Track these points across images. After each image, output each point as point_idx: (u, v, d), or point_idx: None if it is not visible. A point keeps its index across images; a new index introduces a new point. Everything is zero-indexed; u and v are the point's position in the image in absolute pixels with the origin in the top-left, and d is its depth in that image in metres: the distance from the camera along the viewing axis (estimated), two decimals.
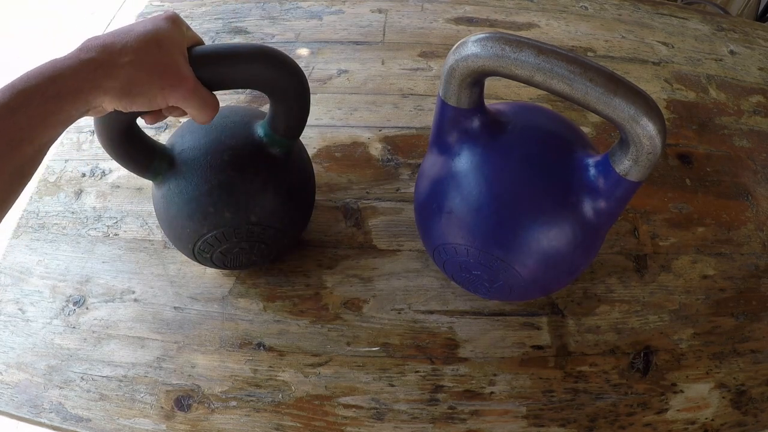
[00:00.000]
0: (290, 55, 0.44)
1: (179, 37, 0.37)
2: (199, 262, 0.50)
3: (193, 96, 0.37)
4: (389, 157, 0.65)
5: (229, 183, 0.45)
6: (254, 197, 0.46)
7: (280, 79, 0.42)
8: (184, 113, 0.40)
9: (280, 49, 0.42)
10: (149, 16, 0.38)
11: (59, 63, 0.33)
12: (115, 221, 0.60)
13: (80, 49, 0.34)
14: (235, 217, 0.46)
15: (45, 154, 0.34)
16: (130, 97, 0.35)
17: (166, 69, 0.35)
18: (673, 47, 0.79)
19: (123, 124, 0.41)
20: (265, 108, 0.48)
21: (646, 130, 0.33)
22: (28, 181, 0.34)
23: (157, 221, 0.57)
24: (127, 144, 0.43)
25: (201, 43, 0.41)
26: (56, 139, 0.34)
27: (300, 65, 0.44)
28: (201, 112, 0.38)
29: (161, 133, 0.67)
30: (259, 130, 0.47)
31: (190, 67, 0.37)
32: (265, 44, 0.45)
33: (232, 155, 0.46)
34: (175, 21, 0.38)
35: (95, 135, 0.42)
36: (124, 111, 0.36)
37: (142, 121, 0.42)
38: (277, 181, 0.48)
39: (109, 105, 0.35)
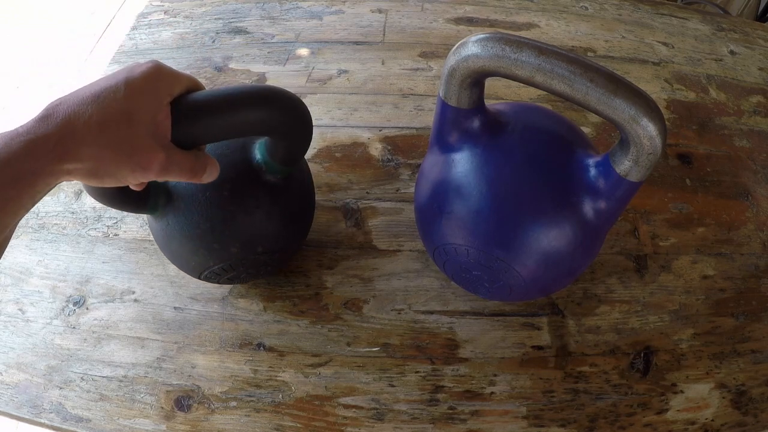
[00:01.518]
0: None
1: (154, 104, 0.33)
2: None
3: (167, 170, 0.34)
4: (389, 157, 0.65)
5: (232, 219, 0.44)
6: (259, 229, 0.45)
7: (285, 123, 0.39)
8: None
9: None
10: (127, 66, 0.33)
11: (15, 141, 0.28)
12: (115, 221, 0.60)
13: (40, 120, 0.29)
14: (241, 251, 0.45)
15: (10, 236, 0.31)
16: (98, 178, 0.32)
17: (136, 148, 0.32)
18: (673, 47, 0.79)
19: None
20: None
21: (646, 131, 0.33)
22: None
23: None
24: (118, 189, 0.40)
25: (196, 87, 0.37)
26: (21, 218, 0.31)
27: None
28: (185, 178, 0.35)
29: None
30: (257, 154, 0.44)
31: (160, 141, 0.33)
32: (262, 85, 0.40)
33: (233, 189, 0.43)
34: (154, 78, 0.33)
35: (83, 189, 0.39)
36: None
37: None
38: (281, 208, 0.46)
39: (77, 180, 0.32)
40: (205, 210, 0.43)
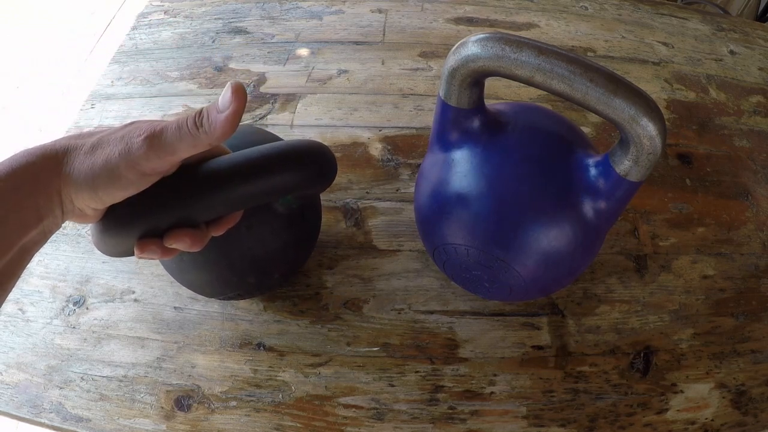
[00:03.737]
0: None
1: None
2: None
3: (162, 131, 0.29)
4: (389, 157, 0.65)
5: (250, 255, 0.43)
6: (276, 257, 0.45)
7: (314, 181, 0.37)
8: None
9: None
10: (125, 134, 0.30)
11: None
12: None
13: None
14: (258, 280, 0.45)
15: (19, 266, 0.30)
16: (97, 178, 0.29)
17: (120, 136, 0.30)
18: (673, 47, 0.79)
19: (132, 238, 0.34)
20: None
21: (646, 131, 0.33)
22: None
23: None
24: (131, 232, 0.35)
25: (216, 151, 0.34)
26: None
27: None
28: (189, 135, 0.29)
29: None
30: None
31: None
32: (297, 141, 0.36)
33: (249, 226, 0.42)
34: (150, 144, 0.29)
35: (96, 247, 0.35)
36: (101, 204, 0.31)
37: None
38: (296, 233, 0.46)
39: (81, 202, 0.30)
40: (222, 248, 0.42)
